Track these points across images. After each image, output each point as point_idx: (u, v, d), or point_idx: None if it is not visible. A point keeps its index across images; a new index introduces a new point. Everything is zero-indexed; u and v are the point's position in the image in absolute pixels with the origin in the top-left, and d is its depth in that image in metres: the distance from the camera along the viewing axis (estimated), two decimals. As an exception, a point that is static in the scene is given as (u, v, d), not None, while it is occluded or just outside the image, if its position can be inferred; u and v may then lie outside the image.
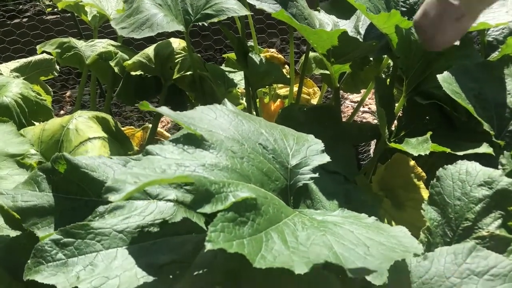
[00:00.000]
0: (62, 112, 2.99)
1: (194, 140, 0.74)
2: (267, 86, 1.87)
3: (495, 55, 1.31)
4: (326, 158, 0.88)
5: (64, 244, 0.72)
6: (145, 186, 0.61)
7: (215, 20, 1.29)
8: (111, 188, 0.60)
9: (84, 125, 1.21)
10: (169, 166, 0.67)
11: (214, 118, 0.83)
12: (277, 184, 0.80)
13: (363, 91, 1.82)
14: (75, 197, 0.86)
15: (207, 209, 0.62)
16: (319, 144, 0.91)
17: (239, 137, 0.81)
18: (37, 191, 0.87)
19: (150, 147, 0.70)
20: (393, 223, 1.29)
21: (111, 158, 0.90)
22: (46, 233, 0.83)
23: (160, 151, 0.70)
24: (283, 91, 1.99)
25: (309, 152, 0.89)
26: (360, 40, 1.39)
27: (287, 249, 0.61)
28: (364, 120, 2.62)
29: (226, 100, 0.95)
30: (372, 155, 1.83)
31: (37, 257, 0.70)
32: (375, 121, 2.56)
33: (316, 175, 0.85)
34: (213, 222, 0.59)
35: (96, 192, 0.85)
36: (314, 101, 2.00)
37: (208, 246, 0.56)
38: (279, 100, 1.86)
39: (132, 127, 2.12)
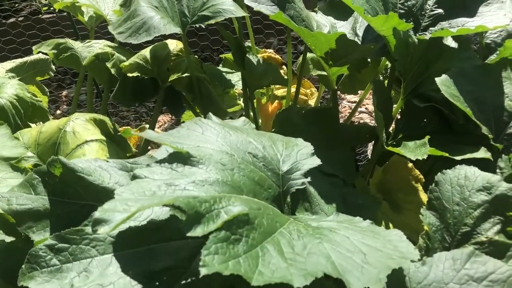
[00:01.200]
0: (58, 112, 2.97)
1: (181, 158, 0.73)
2: (264, 87, 1.86)
3: (493, 58, 1.31)
4: (317, 161, 0.87)
5: (59, 249, 0.71)
6: (135, 213, 0.60)
7: (212, 22, 1.29)
8: (100, 219, 0.59)
9: (81, 127, 1.20)
10: (158, 187, 0.66)
11: (201, 133, 0.83)
12: (270, 192, 0.80)
13: (360, 91, 1.81)
14: (71, 201, 0.86)
15: (199, 231, 0.61)
16: (309, 147, 0.91)
17: (227, 148, 0.80)
18: (32, 194, 0.86)
19: (137, 171, 0.69)
20: (390, 225, 1.29)
21: (107, 161, 0.89)
22: (41, 237, 0.82)
23: (149, 173, 0.69)
24: (280, 91, 1.98)
25: (300, 156, 0.88)
26: (358, 42, 1.39)
27: (284, 261, 0.61)
28: (362, 121, 2.61)
29: (210, 114, 0.95)
30: (369, 156, 1.83)
31: (31, 263, 0.69)
32: (373, 121, 2.56)
33: (308, 179, 0.85)
34: (205, 245, 0.58)
35: (92, 196, 0.84)
36: (312, 102, 2.00)
37: (203, 271, 0.56)
38: (276, 101, 1.85)
39: (128, 127, 2.11)
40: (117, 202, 0.61)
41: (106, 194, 0.82)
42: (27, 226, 0.85)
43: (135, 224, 0.78)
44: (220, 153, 0.78)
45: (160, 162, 0.72)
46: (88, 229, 0.74)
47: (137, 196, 0.64)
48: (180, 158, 0.73)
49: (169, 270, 0.74)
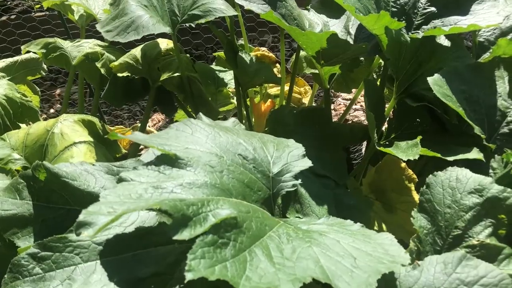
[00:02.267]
0: (52, 111, 2.95)
1: (169, 161, 0.72)
2: (257, 86, 1.85)
3: (486, 56, 1.29)
4: (308, 163, 0.86)
5: (42, 258, 0.70)
6: (120, 216, 0.59)
7: (202, 21, 1.27)
8: (84, 222, 0.57)
9: (69, 129, 1.18)
10: (145, 190, 0.65)
11: (190, 134, 0.81)
12: (260, 195, 0.78)
13: (354, 89, 1.80)
14: (57, 206, 0.85)
15: (186, 234, 0.59)
16: (300, 149, 0.89)
17: (217, 150, 0.79)
18: (17, 199, 0.85)
19: (123, 174, 0.68)
20: (383, 226, 1.28)
21: (93, 165, 0.88)
22: (26, 242, 0.81)
23: (135, 176, 0.68)
24: (274, 90, 1.97)
25: (290, 158, 0.87)
26: (351, 40, 1.37)
27: (272, 266, 0.59)
28: (356, 119, 2.60)
29: (200, 114, 0.93)
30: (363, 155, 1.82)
31: (13, 272, 0.68)
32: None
33: (299, 181, 0.84)
34: (192, 249, 0.57)
35: (77, 201, 0.83)
36: (306, 100, 1.98)
37: (189, 276, 0.54)
38: (269, 100, 1.84)
39: (122, 126, 2.09)
40: (102, 205, 0.59)
41: (91, 198, 0.81)
42: (12, 232, 0.83)
43: (121, 230, 0.77)
44: (209, 155, 0.76)
45: (147, 164, 0.70)
46: (72, 236, 0.72)
47: (123, 199, 0.62)
48: (167, 160, 0.71)
49: (155, 277, 0.73)
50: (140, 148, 1.70)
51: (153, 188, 0.65)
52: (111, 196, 0.62)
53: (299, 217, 1.02)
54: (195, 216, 0.61)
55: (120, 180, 0.67)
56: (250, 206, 0.71)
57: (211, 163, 0.75)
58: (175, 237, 0.59)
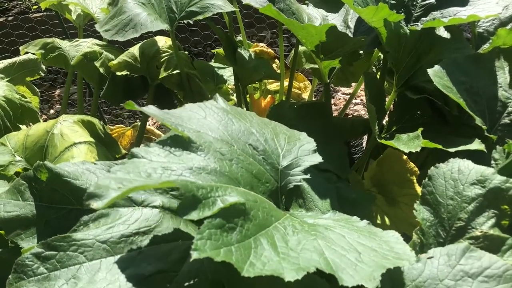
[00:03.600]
0: (52, 111, 2.95)
1: (181, 142, 0.71)
2: (257, 82, 1.84)
3: (485, 47, 1.29)
4: (318, 159, 0.85)
5: (46, 257, 0.70)
6: (129, 192, 0.59)
7: (200, 17, 1.26)
8: (93, 194, 0.57)
9: (69, 129, 1.18)
10: (154, 170, 0.64)
11: (203, 117, 0.80)
12: (268, 186, 0.78)
13: (354, 83, 1.80)
14: (59, 206, 0.84)
15: (194, 215, 0.60)
16: (311, 144, 0.89)
17: (228, 138, 0.78)
18: (20, 201, 0.85)
19: (135, 150, 0.67)
20: (386, 219, 1.28)
21: (95, 164, 0.87)
22: (30, 243, 0.81)
23: (146, 153, 0.67)
24: (273, 86, 1.96)
25: (301, 152, 0.86)
26: (350, 34, 1.37)
27: (276, 255, 0.60)
28: (357, 113, 2.60)
29: (217, 95, 0.91)
30: (364, 149, 1.82)
31: (18, 272, 0.68)
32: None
33: (308, 176, 0.83)
34: (199, 229, 0.57)
35: (80, 201, 0.83)
36: (305, 95, 1.98)
37: (194, 255, 0.55)
38: (269, 96, 1.83)
39: (122, 125, 2.09)
40: (112, 180, 0.59)
41: (93, 198, 0.81)
42: (15, 234, 0.83)
43: (124, 227, 0.77)
44: (220, 142, 0.76)
45: (160, 143, 0.69)
46: (76, 235, 0.72)
47: (132, 177, 0.62)
48: (180, 142, 0.71)
49: (160, 274, 0.73)
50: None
51: (162, 168, 0.65)
52: (121, 172, 0.62)
53: (302, 211, 1.01)
54: (204, 199, 0.61)
55: (132, 156, 0.67)
56: (257, 196, 0.71)
57: (221, 150, 0.74)
58: (184, 217, 0.59)
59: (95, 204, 0.57)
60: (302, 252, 0.63)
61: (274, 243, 0.63)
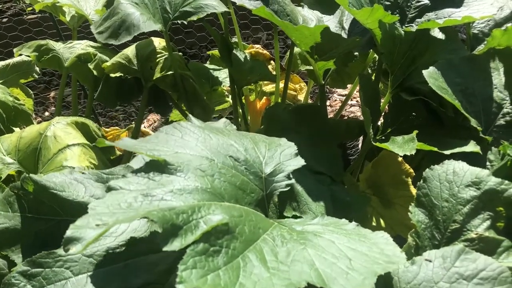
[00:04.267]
0: (46, 113, 2.93)
1: (158, 166, 0.70)
2: (252, 84, 1.84)
3: (480, 48, 1.29)
4: (301, 162, 0.84)
5: (32, 275, 0.69)
6: (109, 229, 0.57)
7: (194, 18, 1.26)
8: (72, 238, 0.56)
9: (62, 131, 1.17)
10: (135, 199, 0.63)
11: (180, 137, 0.79)
12: (253, 197, 0.77)
13: (350, 85, 1.79)
14: (47, 217, 0.83)
15: (176, 245, 0.57)
16: (292, 148, 0.87)
17: (207, 153, 0.77)
18: (9, 212, 0.84)
19: (112, 182, 0.66)
20: (381, 221, 1.27)
21: (83, 173, 0.86)
22: (20, 255, 0.80)
23: (124, 184, 0.66)
24: (269, 87, 1.96)
25: (283, 157, 0.85)
26: (345, 35, 1.36)
27: (267, 271, 0.58)
28: (352, 114, 2.60)
29: (190, 116, 0.92)
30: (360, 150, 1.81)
31: (5, 292, 0.67)
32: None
33: (293, 181, 0.82)
34: (182, 260, 0.55)
35: (68, 212, 0.82)
36: (301, 97, 1.97)
37: None
38: (265, 97, 1.83)
39: (117, 128, 2.08)
40: (90, 217, 0.57)
41: (81, 208, 0.79)
42: (5, 246, 0.82)
43: (111, 240, 0.75)
44: (200, 159, 0.74)
45: (137, 171, 0.68)
46: (61, 250, 0.71)
47: (112, 210, 0.60)
48: (157, 166, 0.69)
49: (147, 286, 0.72)
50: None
51: (143, 196, 0.64)
52: (100, 207, 0.60)
53: (296, 215, 1.01)
54: (185, 224, 0.59)
55: (109, 189, 0.65)
56: (243, 209, 0.70)
57: (201, 167, 0.73)
58: (165, 248, 0.57)
59: (74, 248, 0.55)
60: (292, 264, 0.61)
61: (263, 258, 0.61)
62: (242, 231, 0.63)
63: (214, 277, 0.54)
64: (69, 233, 0.55)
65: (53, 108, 2.95)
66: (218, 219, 0.62)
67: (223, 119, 0.96)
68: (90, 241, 0.54)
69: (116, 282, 0.69)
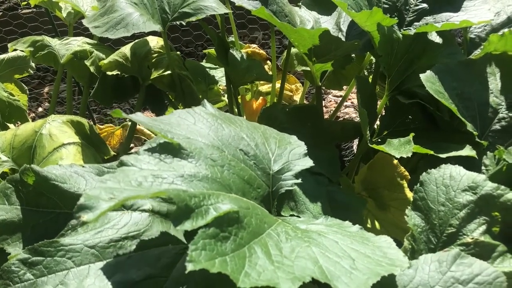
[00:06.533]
0: (40, 109, 2.91)
1: (171, 149, 0.70)
2: (249, 83, 1.83)
3: (477, 53, 1.29)
4: (309, 163, 0.85)
5: (32, 263, 0.68)
6: (121, 203, 0.57)
7: (193, 19, 1.25)
8: (84, 206, 0.56)
9: (57, 130, 1.16)
10: (145, 178, 0.63)
11: (192, 123, 0.79)
12: (259, 192, 0.77)
13: (346, 86, 1.80)
14: (46, 210, 0.83)
15: (187, 225, 0.59)
16: (302, 147, 0.88)
17: (219, 143, 0.77)
18: (6, 205, 0.83)
19: (124, 158, 0.66)
20: (376, 223, 1.28)
21: (83, 166, 0.86)
22: (17, 249, 0.80)
23: (135, 161, 0.66)
24: (265, 87, 1.96)
25: (292, 156, 0.86)
26: (342, 37, 1.37)
27: (271, 264, 0.59)
28: (347, 116, 2.60)
29: (205, 101, 0.90)
30: (355, 152, 1.82)
31: (3, 279, 0.67)
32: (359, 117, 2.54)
33: (299, 180, 0.83)
34: (193, 240, 0.56)
35: (68, 204, 0.81)
36: (297, 98, 1.97)
37: (190, 267, 0.53)
38: (261, 97, 1.82)
39: (111, 125, 2.07)
40: (102, 190, 0.57)
41: (82, 201, 0.79)
42: (2, 238, 0.82)
43: (113, 232, 0.76)
44: (211, 148, 0.75)
45: (149, 150, 0.68)
46: (63, 240, 0.71)
47: (123, 186, 0.60)
48: (170, 149, 0.69)
49: (149, 279, 0.72)
50: (130, 147, 1.68)
51: (153, 176, 0.64)
52: (111, 181, 0.61)
53: (293, 215, 1.01)
54: (197, 208, 0.60)
55: (121, 164, 0.65)
56: (249, 202, 0.70)
57: (212, 156, 0.73)
58: (178, 228, 0.58)
59: (85, 217, 0.55)
60: (296, 260, 0.62)
61: (268, 251, 0.62)
62: (249, 223, 0.64)
63: (221, 261, 0.55)
64: (82, 200, 0.55)
65: (47, 104, 2.93)
66: (228, 208, 0.62)
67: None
68: (102, 211, 0.54)
69: (118, 274, 0.69)
